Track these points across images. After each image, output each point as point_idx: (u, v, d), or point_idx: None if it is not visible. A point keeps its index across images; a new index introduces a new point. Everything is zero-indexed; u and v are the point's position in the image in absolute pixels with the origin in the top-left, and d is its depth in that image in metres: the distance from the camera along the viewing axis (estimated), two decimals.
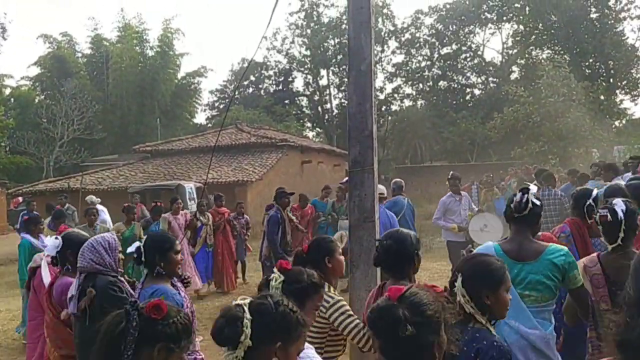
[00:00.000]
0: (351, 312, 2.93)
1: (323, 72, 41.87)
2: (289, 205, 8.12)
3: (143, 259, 3.15)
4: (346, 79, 7.36)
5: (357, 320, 2.89)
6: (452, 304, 1.91)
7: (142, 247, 3.16)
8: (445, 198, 8.09)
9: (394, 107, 41.42)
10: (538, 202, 2.99)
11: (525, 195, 2.96)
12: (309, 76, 42.90)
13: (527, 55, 33.62)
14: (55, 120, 30.89)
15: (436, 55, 39.69)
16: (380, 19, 38.31)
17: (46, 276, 3.93)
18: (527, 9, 34.13)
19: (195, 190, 13.85)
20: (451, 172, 8.50)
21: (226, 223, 9.77)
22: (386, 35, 39.79)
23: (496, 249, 2.96)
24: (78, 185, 17.53)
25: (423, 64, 40.44)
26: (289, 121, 38.36)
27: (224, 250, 9.55)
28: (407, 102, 41.48)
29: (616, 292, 2.54)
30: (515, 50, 36.61)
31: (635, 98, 33.59)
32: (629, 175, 7.26)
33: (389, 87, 41.64)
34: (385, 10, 39.31)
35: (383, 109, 38.89)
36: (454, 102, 38.61)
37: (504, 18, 37.03)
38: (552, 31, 33.06)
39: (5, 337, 7.40)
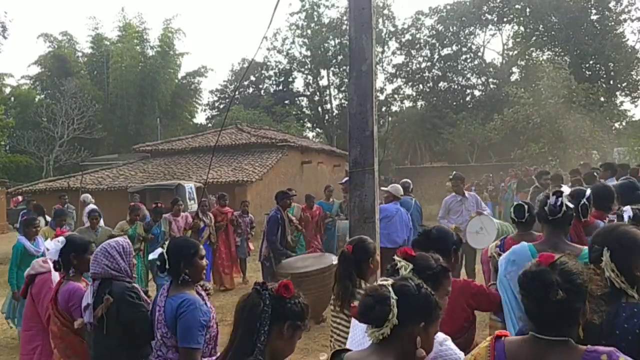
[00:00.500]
0: None
1: (323, 72, 41.92)
2: (289, 206, 8.08)
3: (167, 265, 2.93)
4: (346, 80, 7.35)
5: None
6: (598, 276, 1.88)
7: (165, 254, 2.96)
8: (447, 198, 8.13)
9: (394, 108, 41.48)
10: (571, 205, 3.06)
11: (560, 198, 3.02)
12: (309, 76, 42.95)
13: (527, 57, 33.59)
14: (56, 120, 30.90)
15: (436, 56, 39.69)
16: (380, 20, 38.33)
17: (55, 282, 3.75)
18: (528, 10, 34.13)
19: (195, 190, 13.85)
20: (454, 172, 8.51)
21: (229, 223, 9.77)
22: (386, 36, 39.79)
23: (531, 249, 3.01)
24: (78, 184, 17.52)
25: (423, 64, 40.46)
26: (289, 121, 38.38)
27: (224, 250, 9.55)
28: (407, 103, 41.60)
29: None
30: (515, 52, 36.59)
31: (636, 100, 33.60)
32: (612, 179, 7.32)
33: (389, 88, 41.83)
34: (385, 11, 39.33)
35: (383, 109, 38.88)
36: (454, 103, 38.60)
37: (505, 19, 37.03)
38: (553, 33, 33.05)
39: (5, 336, 7.39)
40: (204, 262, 3.03)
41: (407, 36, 40.17)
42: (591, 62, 32.78)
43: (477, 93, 40.08)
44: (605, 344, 1.74)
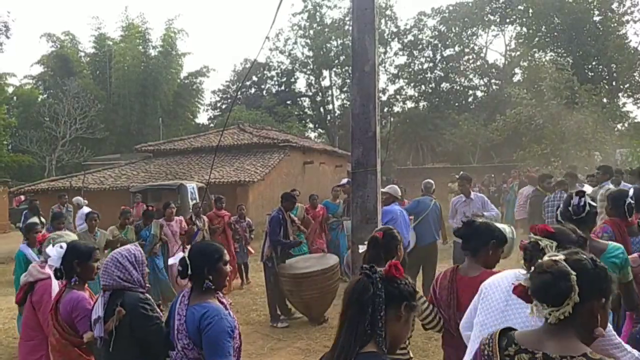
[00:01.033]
0: (421, 293, 3.12)
1: (325, 73, 41.94)
2: (293, 208, 8.02)
3: (189, 271, 2.71)
4: (348, 80, 7.34)
5: (427, 302, 3.10)
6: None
7: (187, 259, 2.73)
8: (454, 199, 8.20)
9: (396, 109, 41.44)
10: (594, 203, 3.18)
11: (582, 199, 3.13)
12: (311, 77, 42.95)
13: (529, 58, 33.48)
14: (58, 119, 30.96)
15: (439, 57, 39.70)
16: (383, 21, 38.35)
17: (56, 289, 3.56)
18: (530, 11, 34.06)
19: (197, 190, 13.84)
20: (461, 172, 8.50)
21: (226, 226, 9.61)
22: (389, 36, 39.82)
23: None
24: (80, 184, 17.57)
25: (426, 65, 40.46)
26: (291, 122, 38.37)
27: None
28: (410, 104, 41.53)
29: None
30: (518, 53, 36.51)
31: (638, 101, 33.46)
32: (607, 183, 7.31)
33: (391, 89, 41.75)
34: (388, 12, 39.35)
35: (385, 110, 38.87)
36: (457, 104, 38.58)
37: (507, 20, 36.99)
38: (555, 34, 32.98)
39: (7, 336, 7.39)
40: (228, 268, 2.84)
41: (410, 37, 40.20)
42: (594, 63, 32.69)
43: (479, 94, 40.14)
44: None
